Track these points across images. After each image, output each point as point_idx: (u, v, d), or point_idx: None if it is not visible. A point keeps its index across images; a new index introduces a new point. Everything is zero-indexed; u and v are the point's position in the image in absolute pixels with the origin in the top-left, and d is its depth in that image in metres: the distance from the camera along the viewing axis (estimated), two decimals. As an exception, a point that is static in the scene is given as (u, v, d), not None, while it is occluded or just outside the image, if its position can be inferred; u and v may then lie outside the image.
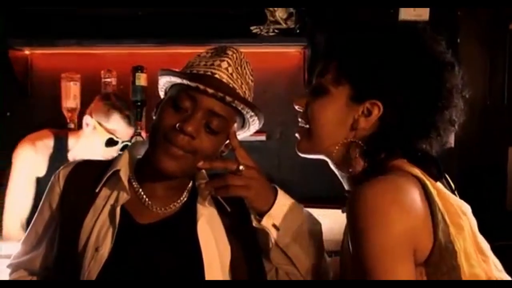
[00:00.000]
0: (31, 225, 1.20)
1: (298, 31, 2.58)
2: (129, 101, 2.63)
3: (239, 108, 1.07)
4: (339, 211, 1.24)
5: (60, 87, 2.59)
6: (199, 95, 1.04)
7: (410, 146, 0.99)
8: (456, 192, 1.03)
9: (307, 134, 1.04)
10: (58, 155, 2.16)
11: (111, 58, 2.73)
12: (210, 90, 1.02)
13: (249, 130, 1.16)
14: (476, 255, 0.93)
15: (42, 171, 2.14)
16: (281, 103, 2.70)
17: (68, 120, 2.58)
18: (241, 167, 1.05)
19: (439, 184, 0.97)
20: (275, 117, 2.65)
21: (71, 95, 2.59)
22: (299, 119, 1.06)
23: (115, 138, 2.16)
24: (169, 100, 1.07)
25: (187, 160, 1.05)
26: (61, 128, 2.60)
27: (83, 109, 2.65)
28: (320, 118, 1.00)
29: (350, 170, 1.00)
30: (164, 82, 1.11)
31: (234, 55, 1.09)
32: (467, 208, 0.99)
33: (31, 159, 2.13)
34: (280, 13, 2.59)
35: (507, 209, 2.54)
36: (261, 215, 1.08)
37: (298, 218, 1.10)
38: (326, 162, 3.19)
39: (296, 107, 1.06)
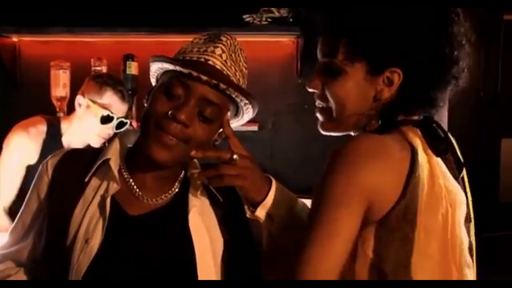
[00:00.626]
0: (18, 215, 1.18)
1: (291, 20, 2.55)
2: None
3: (233, 96, 1.05)
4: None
5: (49, 76, 2.55)
6: (192, 82, 1.02)
7: (427, 108, 0.99)
8: (462, 180, 1.01)
9: (329, 114, 1.03)
10: (52, 141, 2.12)
11: (101, 46, 2.69)
12: (203, 77, 1.00)
13: (242, 119, 1.14)
14: (439, 251, 0.91)
15: (34, 159, 2.09)
16: (274, 93, 2.68)
17: (58, 109, 2.55)
18: (235, 156, 1.03)
19: (440, 162, 0.96)
20: (268, 107, 2.64)
21: (60, 84, 2.55)
22: (317, 100, 1.05)
23: (110, 114, 2.10)
24: (161, 87, 1.04)
25: (179, 148, 1.03)
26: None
27: (73, 98, 2.62)
28: (342, 98, 0.99)
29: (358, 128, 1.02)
30: (156, 68, 1.09)
31: (228, 41, 1.07)
32: (461, 198, 0.97)
33: (23, 146, 2.09)
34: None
35: (500, 200, 2.55)
36: (254, 205, 1.06)
37: (292, 208, 1.09)
38: (319, 152, 3.16)
39: (310, 90, 1.05)
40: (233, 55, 1.07)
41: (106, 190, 1.07)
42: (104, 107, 2.10)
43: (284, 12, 2.55)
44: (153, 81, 1.14)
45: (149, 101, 1.06)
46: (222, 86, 1.02)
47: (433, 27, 0.96)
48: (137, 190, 1.10)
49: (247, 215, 1.08)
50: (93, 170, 1.09)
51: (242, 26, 2.53)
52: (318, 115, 1.06)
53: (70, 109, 2.63)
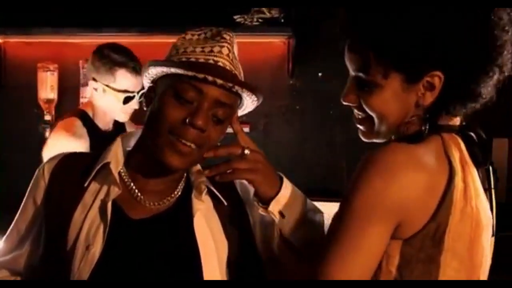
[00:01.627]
0: (13, 222, 1.14)
1: (282, 20, 2.53)
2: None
3: (242, 94, 1.04)
4: (325, 203, 1.22)
5: (36, 77, 2.51)
6: (206, 86, 0.99)
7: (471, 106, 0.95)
8: (492, 191, 0.99)
9: (370, 124, 0.99)
10: (91, 130, 2.08)
11: (89, 47, 2.64)
12: (219, 81, 0.98)
13: (244, 110, 1.13)
14: (464, 275, 0.90)
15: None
16: (265, 94, 2.64)
17: (45, 112, 2.51)
18: (246, 151, 1.02)
19: (475, 177, 0.93)
20: (259, 108, 2.58)
21: (47, 86, 2.51)
22: (356, 112, 1.01)
23: (130, 95, 2.04)
24: (170, 92, 1.01)
25: (194, 153, 1.02)
26: (38, 120, 2.53)
27: (61, 100, 2.58)
28: (382, 111, 0.96)
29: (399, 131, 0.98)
30: (155, 72, 1.05)
31: (231, 39, 1.05)
32: (488, 218, 0.95)
33: (75, 148, 2.00)
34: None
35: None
36: (265, 202, 1.04)
37: (302, 205, 1.07)
38: (310, 153, 3.12)
39: (346, 103, 1.01)
40: (235, 52, 1.05)
41: (107, 194, 1.04)
42: (120, 90, 2.03)
43: (275, 12, 2.53)
44: (147, 84, 1.10)
45: (158, 105, 1.02)
46: (237, 88, 1.01)
47: (463, 19, 0.91)
48: (139, 194, 1.07)
49: (260, 211, 1.06)
50: (92, 174, 1.06)
51: (233, 26, 2.50)
52: (359, 125, 1.02)
53: (58, 112, 2.59)
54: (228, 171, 1.02)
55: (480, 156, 0.94)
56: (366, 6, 0.95)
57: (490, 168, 0.98)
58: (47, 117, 2.50)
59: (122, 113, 2.10)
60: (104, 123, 2.13)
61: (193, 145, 1.00)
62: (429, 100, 0.93)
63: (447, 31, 0.90)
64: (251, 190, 1.09)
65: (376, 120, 0.97)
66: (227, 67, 1.02)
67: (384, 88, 0.94)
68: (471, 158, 0.93)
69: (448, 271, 0.89)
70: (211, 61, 1.01)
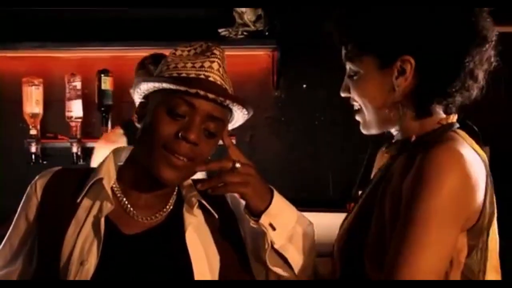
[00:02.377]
0: (6, 238, 1.13)
1: (267, 33, 2.57)
2: (94, 106, 2.56)
3: (233, 108, 1.06)
4: (312, 213, 1.22)
5: (21, 92, 2.50)
6: (198, 100, 1.00)
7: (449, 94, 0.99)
8: None
9: (363, 114, 1.06)
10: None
11: (74, 61, 2.65)
12: (211, 95, 1.00)
13: (234, 124, 1.14)
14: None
15: None
16: (251, 107, 2.68)
17: (31, 126, 2.50)
18: (237, 165, 1.03)
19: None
20: (245, 121, 2.63)
21: (33, 100, 2.50)
22: (353, 103, 1.08)
23: None
24: (162, 107, 1.02)
25: (187, 168, 1.02)
26: (24, 135, 2.52)
27: (47, 115, 2.57)
28: (362, 96, 1.03)
29: (406, 130, 1.03)
30: (147, 87, 1.06)
31: (221, 54, 1.06)
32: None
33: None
34: (248, 15, 2.57)
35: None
36: (257, 214, 1.05)
37: (293, 218, 1.09)
38: (296, 164, 3.13)
39: (343, 95, 1.08)
40: (224, 67, 1.07)
41: (100, 210, 1.04)
42: None
43: (259, 25, 2.56)
44: (137, 99, 1.11)
45: (150, 121, 1.03)
46: (228, 101, 1.02)
47: (436, 6, 0.96)
48: (131, 209, 1.07)
49: (251, 224, 1.07)
50: (85, 190, 1.07)
51: (218, 40, 2.52)
52: (357, 117, 1.08)
53: (44, 126, 2.58)
54: (220, 185, 1.03)
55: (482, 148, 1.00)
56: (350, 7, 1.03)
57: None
58: (33, 132, 2.49)
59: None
60: None
61: (185, 159, 1.01)
62: (403, 84, 0.99)
63: (417, 17, 0.96)
64: (242, 202, 1.09)
65: (364, 110, 1.03)
66: (218, 82, 1.04)
67: (363, 74, 1.01)
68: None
69: (493, 254, 0.96)
70: (202, 76, 1.02)
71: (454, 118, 1.01)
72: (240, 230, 1.14)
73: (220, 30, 2.56)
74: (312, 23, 2.55)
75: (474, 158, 0.93)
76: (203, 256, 1.06)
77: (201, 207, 1.10)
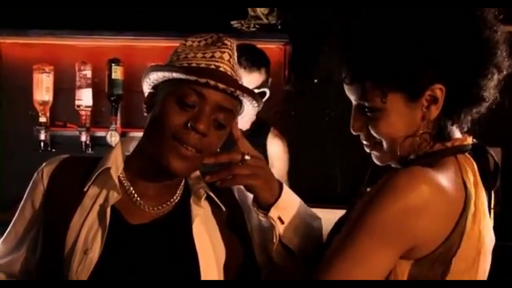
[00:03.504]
0: (10, 225, 1.13)
1: (279, 27, 2.54)
2: (104, 95, 2.56)
3: (243, 99, 1.05)
4: (319, 209, 1.20)
5: (32, 79, 2.50)
6: (208, 91, 0.99)
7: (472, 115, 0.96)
8: (491, 211, 0.99)
9: (383, 148, 0.99)
10: None
11: (85, 49, 2.64)
12: (221, 85, 0.99)
13: (244, 117, 1.13)
14: None
15: None
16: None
17: (40, 114, 2.49)
18: (246, 157, 1.02)
19: (484, 200, 0.94)
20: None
21: (43, 88, 2.50)
22: (364, 142, 1.01)
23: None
24: (172, 97, 1.01)
25: (196, 158, 1.02)
26: (33, 122, 2.52)
27: (56, 102, 2.57)
28: (390, 133, 0.95)
29: (415, 152, 0.97)
30: (156, 77, 1.05)
31: (232, 45, 1.05)
32: (491, 240, 0.96)
33: None
34: (261, 8, 2.54)
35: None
36: (265, 207, 1.04)
37: (301, 212, 1.08)
38: (306, 159, 3.08)
39: (356, 133, 1.01)
40: (235, 58, 1.06)
41: (106, 199, 1.04)
42: None
43: (272, 19, 2.54)
44: (146, 90, 1.10)
45: (160, 111, 1.02)
46: (238, 92, 1.01)
47: (452, 28, 0.91)
48: (138, 198, 1.07)
49: (259, 217, 1.06)
50: (92, 179, 1.06)
51: (230, 32, 2.50)
52: (372, 152, 1.02)
53: (54, 114, 2.58)
54: (229, 177, 1.02)
55: (491, 178, 0.95)
56: (349, 33, 0.95)
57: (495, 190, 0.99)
58: (42, 119, 2.49)
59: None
60: None
61: (194, 150, 1.00)
62: (435, 113, 0.93)
63: (439, 43, 0.90)
64: (249, 196, 1.09)
65: (385, 143, 0.97)
66: (228, 72, 1.03)
67: (388, 110, 0.93)
68: (482, 181, 0.94)
69: None
70: (212, 66, 1.01)
71: (468, 140, 0.97)
72: (247, 224, 1.13)
73: (232, 22, 2.54)
74: (325, 18, 2.53)
75: (448, 190, 0.88)
76: (209, 248, 1.05)
77: (209, 199, 1.10)
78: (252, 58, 1.98)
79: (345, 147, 2.73)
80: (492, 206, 0.99)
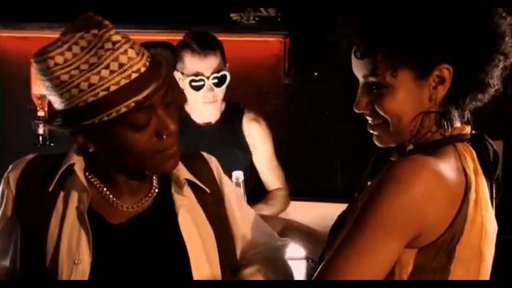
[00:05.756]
0: None
1: (279, 19, 2.52)
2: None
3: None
4: (320, 203, 1.19)
5: (30, 73, 2.48)
6: (152, 100, 0.91)
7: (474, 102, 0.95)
8: (494, 200, 0.99)
9: (387, 129, 0.98)
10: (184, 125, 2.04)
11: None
12: (159, 88, 0.91)
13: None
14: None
15: None
16: (261, 93, 2.65)
17: (38, 107, 2.48)
18: None
19: (485, 187, 0.94)
20: (254, 107, 2.60)
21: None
22: (369, 118, 1.00)
23: (196, 78, 1.89)
24: (126, 129, 0.92)
25: (178, 149, 1.00)
26: (32, 116, 2.51)
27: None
28: (397, 111, 0.95)
29: (414, 140, 0.97)
30: (78, 127, 0.93)
31: (119, 36, 0.91)
32: (494, 228, 0.95)
33: None
34: (261, 0, 2.53)
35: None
36: None
37: None
38: (306, 152, 3.06)
39: (360, 111, 1.00)
40: (131, 42, 0.93)
41: (79, 200, 0.98)
42: (188, 75, 1.89)
43: (272, 11, 2.52)
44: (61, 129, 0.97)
45: (123, 147, 0.93)
46: (168, 72, 0.94)
47: (465, 10, 0.92)
48: (114, 199, 1.02)
49: None
50: (56, 178, 0.99)
51: (229, 25, 2.48)
52: (374, 131, 1.01)
53: (50, 108, 2.56)
54: None
55: (491, 167, 0.95)
56: (365, 7, 0.95)
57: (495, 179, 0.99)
58: (40, 113, 2.47)
59: (203, 104, 1.94)
60: (198, 117, 2.01)
61: (175, 147, 0.98)
62: (442, 93, 0.93)
63: (451, 23, 0.91)
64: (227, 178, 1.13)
65: (391, 122, 0.96)
66: (147, 65, 0.91)
67: (395, 88, 0.94)
68: (482, 169, 0.93)
69: (454, 278, 0.89)
70: (134, 75, 0.89)
71: (467, 129, 0.97)
72: (226, 205, 1.12)
73: (231, 15, 2.52)
74: (325, 11, 2.52)
75: (449, 176, 0.88)
76: (197, 237, 1.03)
77: (191, 186, 1.06)
78: (204, 42, 1.90)
79: (345, 140, 2.73)
80: (494, 195, 0.99)
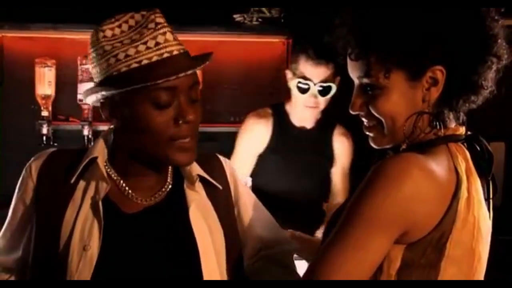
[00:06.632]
0: (5, 224, 1.11)
1: (282, 20, 2.53)
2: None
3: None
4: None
5: (34, 73, 2.49)
6: (178, 81, 0.97)
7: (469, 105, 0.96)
8: (490, 201, 0.99)
9: (381, 130, 0.99)
10: (280, 123, 2.09)
11: (88, 44, 2.62)
12: (190, 71, 0.97)
13: None
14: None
15: (263, 145, 2.07)
16: (264, 94, 2.65)
17: (42, 108, 2.49)
18: None
19: (479, 187, 0.94)
20: (257, 108, 2.61)
21: (45, 82, 2.49)
22: (364, 120, 1.01)
23: (302, 82, 1.98)
24: (147, 105, 0.97)
25: (195, 142, 1.02)
26: (35, 116, 2.51)
27: (58, 96, 2.57)
28: (391, 112, 0.96)
29: (408, 140, 0.97)
30: (110, 93, 0.99)
31: (163, 19, 0.99)
32: (488, 227, 0.96)
33: (255, 127, 2.09)
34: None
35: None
36: None
37: None
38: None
39: (355, 113, 1.01)
40: (171, 29, 1.00)
41: (96, 191, 1.02)
42: (299, 76, 1.99)
43: (275, 12, 2.52)
44: (92, 101, 1.05)
45: (139, 119, 0.98)
46: (199, 67, 0.99)
47: (457, 12, 0.93)
48: (130, 191, 1.06)
49: None
50: (79, 170, 1.04)
51: (232, 25, 2.49)
52: (369, 133, 1.02)
53: (56, 108, 2.58)
54: None
55: (485, 167, 0.95)
56: (360, 9, 0.96)
57: (491, 179, 0.99)
58: (44, 113, 2.49)
59: (304, 107, 2.02)
60: (296, 118, 2.09)
61: (191, 138, 1.00)
62: (435, 95, 0.94)
63: (443, 25, 0.92)
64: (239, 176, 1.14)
65: (385, 123, 0.97)
66: (181, 51, 0.99)
67: (389, 89, 0.95)
68: (476, 169, 0.94)
69: (446, 277, 0.90)
70: (166, 55, 0.97)
71: (461, 130, 0.97)
72: (233, 202, 1.14)
73: (234, 16, 2.53)
74: (328, 12, 2.51)
75: (439, 174, 0.88)
76: (207, 232, 1.05)
77: (203, 182, 1.09)
78: (320, 52, 1.98)
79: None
80: (491, 196, 0.99)
